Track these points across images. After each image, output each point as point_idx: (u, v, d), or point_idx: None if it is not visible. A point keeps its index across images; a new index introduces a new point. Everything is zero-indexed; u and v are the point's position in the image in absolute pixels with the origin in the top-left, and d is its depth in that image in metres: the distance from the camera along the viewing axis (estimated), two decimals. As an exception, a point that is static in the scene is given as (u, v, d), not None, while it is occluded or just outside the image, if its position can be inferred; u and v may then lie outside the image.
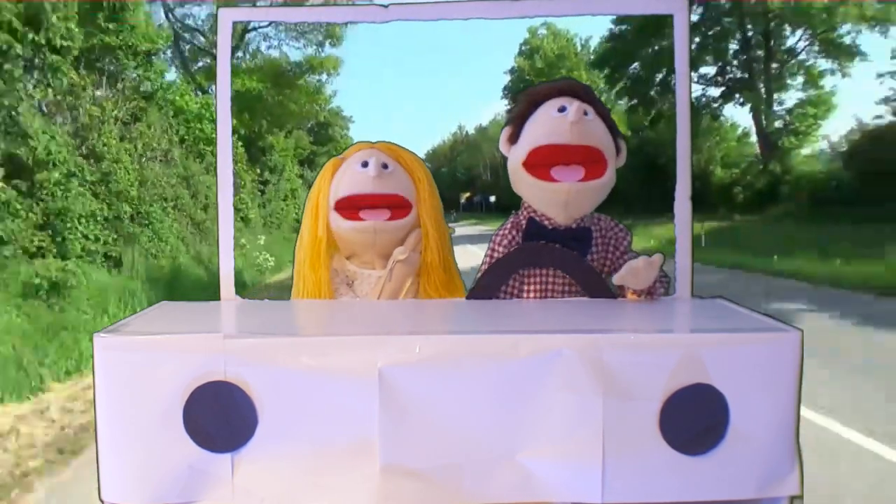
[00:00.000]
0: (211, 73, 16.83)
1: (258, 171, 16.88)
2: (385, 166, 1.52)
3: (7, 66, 7.06)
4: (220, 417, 1.00)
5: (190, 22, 19.53)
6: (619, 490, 1.01)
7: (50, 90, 8.27)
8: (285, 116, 20.16)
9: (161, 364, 1.01)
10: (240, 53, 19.59)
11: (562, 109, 1.43)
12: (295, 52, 21.06)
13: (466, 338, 1.05)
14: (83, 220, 8.14)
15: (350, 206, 1.50)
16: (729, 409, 1.01)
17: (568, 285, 1.45)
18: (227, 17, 1.45)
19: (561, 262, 1.42)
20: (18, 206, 7.14)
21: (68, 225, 7.83)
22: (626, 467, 1.01)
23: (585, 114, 1.41)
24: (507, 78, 40.61)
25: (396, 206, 1.51)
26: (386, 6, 1.40)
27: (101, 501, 1.03)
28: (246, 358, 1.01)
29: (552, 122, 1.43)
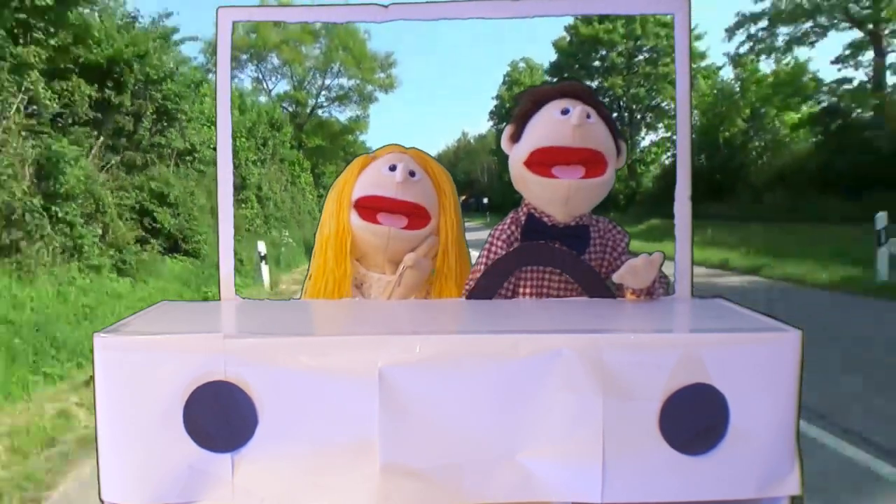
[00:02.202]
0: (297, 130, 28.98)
1: (318, 189, 25.91)
2: (412, 174, 1.50)
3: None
4: (220, 417, 1.00)
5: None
6: (619, 490, 1.00)
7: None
8: (334, 156, 31.29)
9: (161, 364, 1.01)
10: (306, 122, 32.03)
11: (565, 112, 1.44)
12: (342, 115, 33.80)
13: (466, 338, 1.05)
14: (272, 219, 17.49)
15: (369, 207, 1.49)
16: (729, 409, 1.01)
17: (563, 284, 1.45)
18: (227, 17, 1.45)
19: (561, 262, 1.42)
20: (254, 210, 15.82)
21: (267, 220, 16.92)
22: (626, 467, 1.01)
23: (588, 117, 1.42)
24: (493, 103, 47.83)
25: (416, 214, 1.50)
26: (386, 6, 1.40)
27: (101, 501, 1.03)
28: (246, 358, 1.01)
29: (555, 125, 1.44)
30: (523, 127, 1.50)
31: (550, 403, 1.01)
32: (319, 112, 32.95)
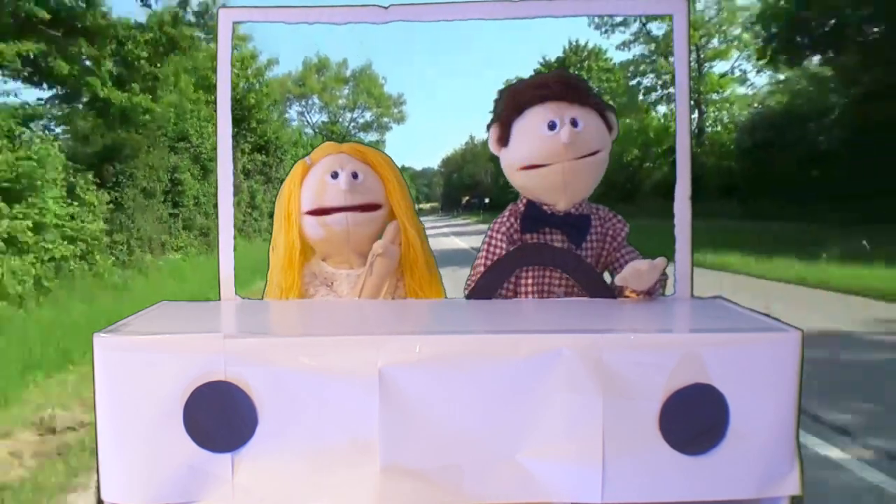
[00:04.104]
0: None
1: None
2: (355, 176, 1.51)
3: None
4: (220, 417, 1.00)
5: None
6: (619, 490, 1.00)
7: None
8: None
9: (161, 364, 1.01)
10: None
11: (552, 126, 1.41)
12: (366, 138, 41.96)
13: (466, 338, 1.05)
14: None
15: (321, 213, 1.50)
16: (729, 409, 1.01)
17: (565, 283, 1.45)
18: (227, 18, 1.46)
19: (561, 262, 1.42)
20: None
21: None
22: (626, 467, 1.01)
23: (575, 125, 1.40)
24: (492, 116, 49.31)
25: (367, 207, 1.51)
26: (386, 7, 1.40)
27: (101, 501, 1.03)
28: (246, 358, 1.01)
29: (544, 142, 1.42)
30: (509, 130, 1.48)
31: (550, 403, 1.01)
32: (348, 138, 42.98)
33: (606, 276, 1.52)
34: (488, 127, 1.55)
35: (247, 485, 1.01)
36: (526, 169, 1.46)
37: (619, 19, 28.09)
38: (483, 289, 1.41)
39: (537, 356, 1.01)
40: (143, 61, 10.59)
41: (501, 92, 1.58)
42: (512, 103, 1.50)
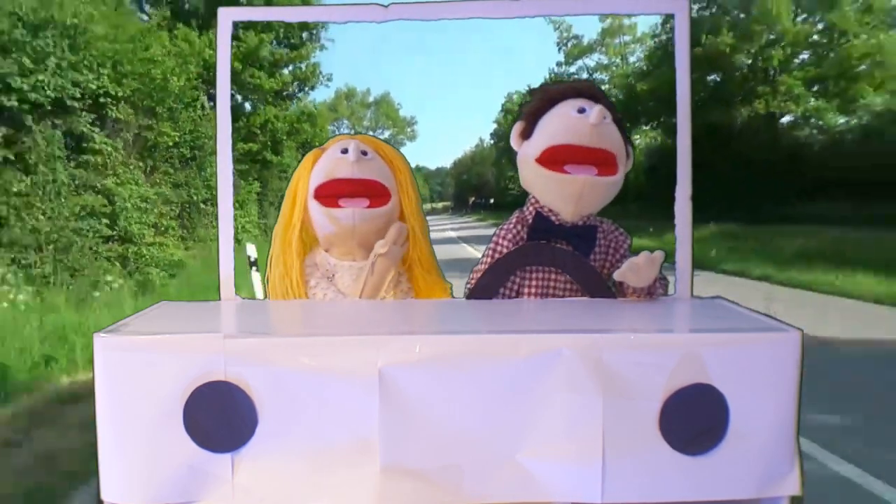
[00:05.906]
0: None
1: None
2: (364, 153, 1.53)
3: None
4: (220, 417, 1.00)
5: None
6: (619, 490, 1.00)
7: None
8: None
9: (161, 364, 1.01)
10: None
11: (581, 111, 1.43)
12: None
13: (466, 338, 1.05)
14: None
15: (329, 195, 1.50)
16: (729, 409, 1.01)
17: (567, 285, 1.45)
18: (227, 17, 1.45)
19: (562, 262, 1.42)
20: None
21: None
22: (626, 467, 1.01)
23: (604, 117, 1.42)
24: (494, 126, 55.29)
25: (375, 194, 1.51)
26: (386, 6, 1.40)
27: (101, 501, 1.03)
28: (246, 358, 1.01)
29: (572, 122, 1.43)
30: (534, 124, 1.49)
31: (550, 403, 1.01)
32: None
33: None
34: (513, 124, 1.56)
35: (247, 485, 1.01)
36: (546, 165, 1.45)
37: (572, 70, 33.56)
38: (483, 289, 1.41)
39: (537, 356, 1.01)
40: (283, 139, 19.68)
41: (532, 91, 1.61)
42: (544, 97, 1.51)
